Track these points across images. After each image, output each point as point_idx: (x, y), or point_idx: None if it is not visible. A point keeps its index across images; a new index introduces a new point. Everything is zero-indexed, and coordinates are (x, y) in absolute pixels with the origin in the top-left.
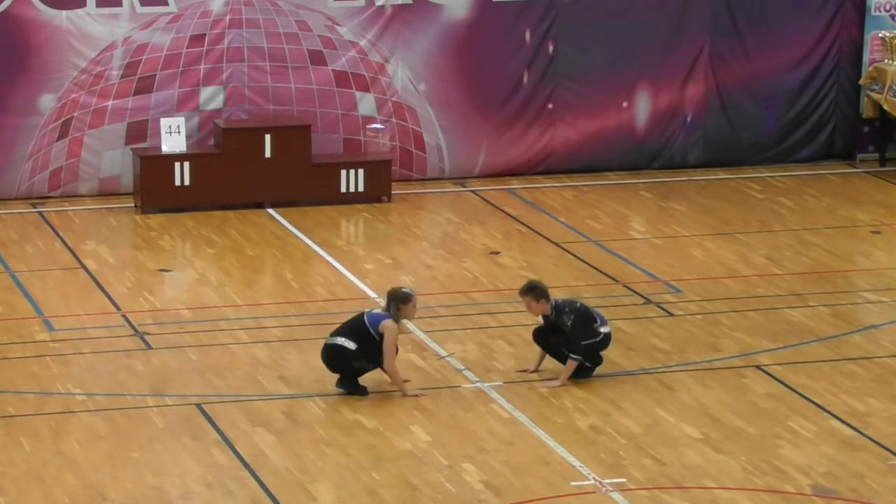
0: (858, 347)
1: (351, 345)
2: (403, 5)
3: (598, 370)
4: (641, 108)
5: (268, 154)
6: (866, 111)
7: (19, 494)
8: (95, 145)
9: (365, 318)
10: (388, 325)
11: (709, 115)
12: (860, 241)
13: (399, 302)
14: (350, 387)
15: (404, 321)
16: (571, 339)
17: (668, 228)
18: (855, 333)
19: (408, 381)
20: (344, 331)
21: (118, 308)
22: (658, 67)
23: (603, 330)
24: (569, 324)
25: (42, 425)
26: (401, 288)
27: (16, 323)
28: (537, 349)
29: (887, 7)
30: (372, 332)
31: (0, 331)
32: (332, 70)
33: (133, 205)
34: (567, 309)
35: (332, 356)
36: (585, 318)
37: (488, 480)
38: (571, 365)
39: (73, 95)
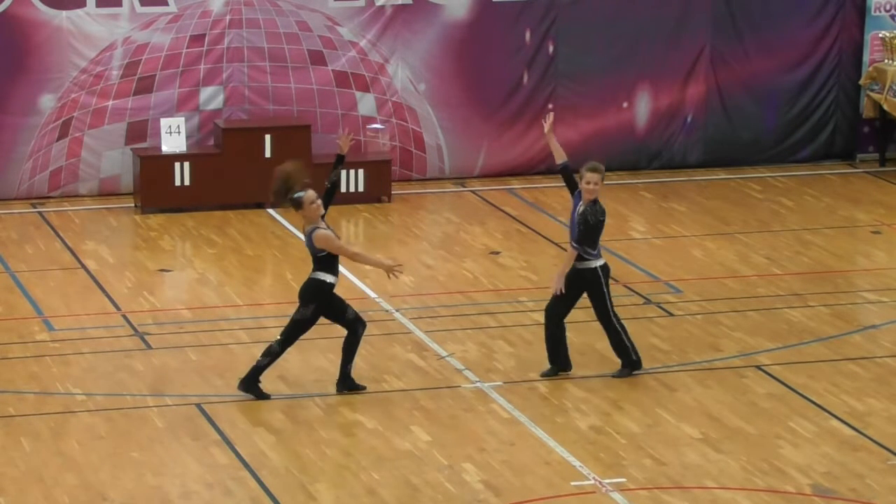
0: (858, 347)
1: (324, 276)
2: (403, 5)
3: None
4: (642, 108)
5: (268, 154)
6: (866, 111)
7: (19, 494)
8: (95, 145)
9: (307, 246)
10: (319, 236)
11: (709, 116)
12: (860, 241)
13: (296, 209)
14: (254, 388)
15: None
16: (583, 223)
17: (668, 228)
18: (855, 333)
19: (398, 265)
20: (314, 269)
21: (118, 308)
22: (658, 67)
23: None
24: (591, 221)
25: (42, 425)
26: (291, 188)
27: (16, 323)
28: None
29: (887, 7)
30: (316, 252)
31: (0, 331)
32: (332, 70)
33: (133, 205)
34: (601, 208)
35: (309, 288)
36: (600, 228)
37: (488, 480)
38: (570, 254)
39: (73, 95)
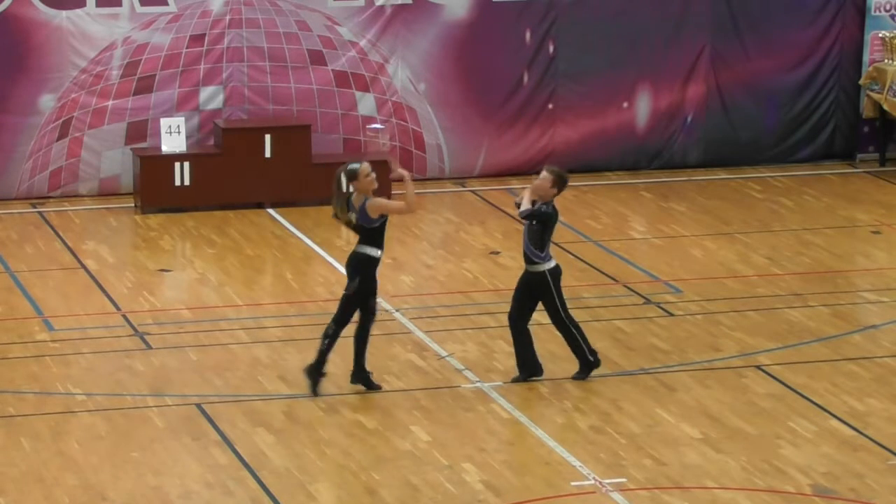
0: (858, 347)
1: (371, 251)
2: (403, 5)
3: (598, 370)
4: (642, 108)
5: (268, 154)
6: (866, 111)
7: (19, 494)
8: (95, 145)
9: (358, 222)
10: (371, 204)
11: (709, 116)
12: (860, 241)
13: (350, 181)
14: (366, 382)
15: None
16: (532, 214)
17: (668, 228)
18: (855, 333)
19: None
20: (361, 241)
21: (118, 308)
22: (658, 67)
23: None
24: (542, 209)
25: (42, 425)
26: (346, 165)
27: (16, 323)
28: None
29: (887, 7)
30: (369, 224)
31: (0, 331)
32: (332, 70)
33: (133, 205)
34: (554, 208)
35: (355, 261)
36: (549, 221)
37: (488, 480)
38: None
39: (73, 95)
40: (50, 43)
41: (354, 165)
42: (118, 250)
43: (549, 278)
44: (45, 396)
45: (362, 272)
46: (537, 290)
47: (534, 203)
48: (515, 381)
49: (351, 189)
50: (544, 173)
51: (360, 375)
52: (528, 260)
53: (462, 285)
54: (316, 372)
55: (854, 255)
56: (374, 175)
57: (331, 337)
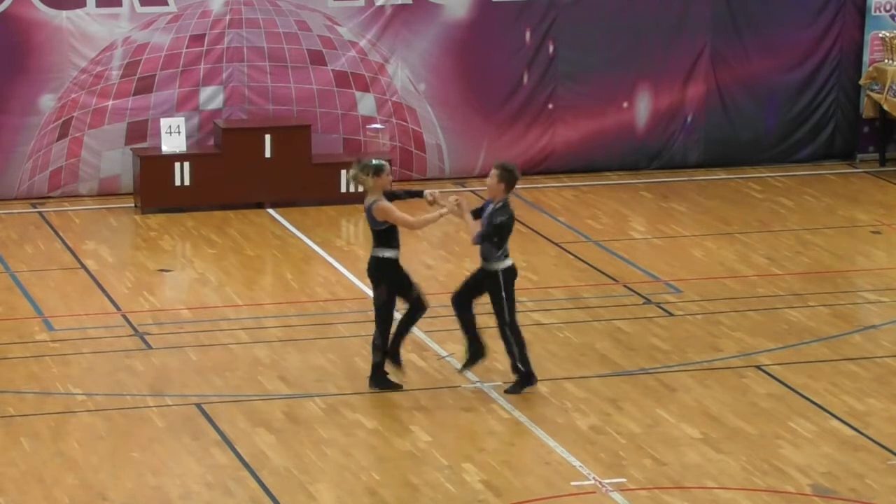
0: (858, 347)
1: (384, 252)
2: (403, 5)
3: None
4: (642, 108)
5: (268, 154)
6: (866, 111)
7: (19, 494)
8: (95, 145)
9: (368, 220)
10: (379, 207)
11: (709, 116)
12: (860, 241)
13: (375, 175)
14: (382, 383)
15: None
16: (487, 224)
17: (668, 228)
18: (855, 333)
19: (443, 209)
20: (375, 244)
21: (118, 308)
22: (658, 67)
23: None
24: (496, 221)
25: (42, 425)
26: (370, 160)
27: (16, 323)
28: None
29: (887, 7)
30: (374, 227)
31: (0, 331)
32: (332, 70)
33: (133, 205)
34: (508, 210)
35: (373, 267)
36: (505, 230)
37: (488, 480)
38: (473, 223)
39: (73, 95)
40: (50, 43)
41: (379, 161)
42: (118, 250)
43: (501, 277)
44: (45, 396)
45: (383, 277)
46: (487, 287)
47: (483, 211)
48: (465, 367)
49: (367, 184)
50: (492, 171)
51: (394, 356)
52: (484, 257)
53: None
54: (385, 381)
55: (854, 255)
56: (391, 176)
57: (380, 349)
